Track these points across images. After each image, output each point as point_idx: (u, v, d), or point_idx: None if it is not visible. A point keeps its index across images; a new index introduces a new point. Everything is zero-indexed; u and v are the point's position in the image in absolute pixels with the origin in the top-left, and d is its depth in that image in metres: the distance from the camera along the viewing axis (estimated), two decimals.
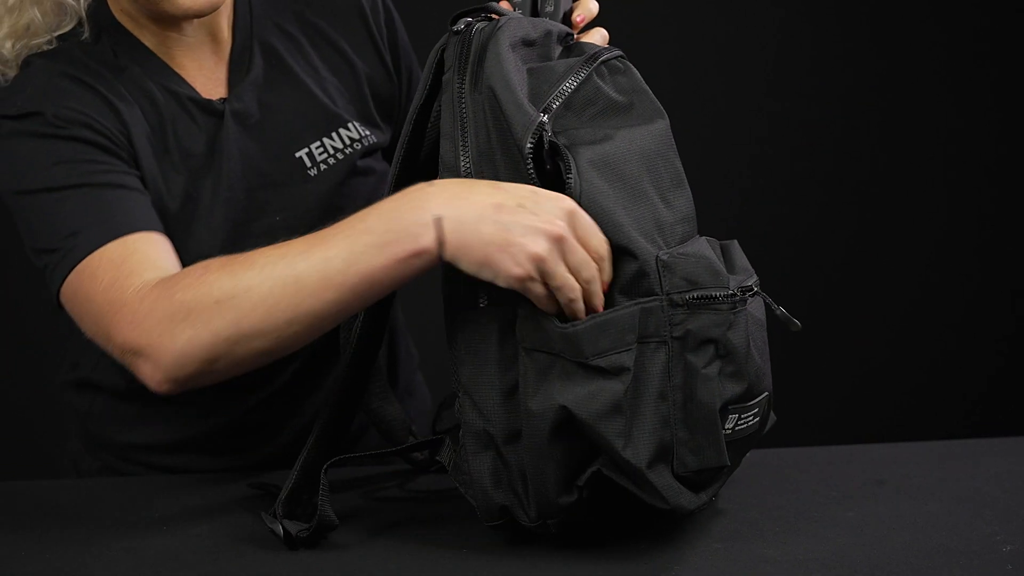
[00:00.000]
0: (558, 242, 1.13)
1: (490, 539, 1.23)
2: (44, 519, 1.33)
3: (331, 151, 1.48)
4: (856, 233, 2.81)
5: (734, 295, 1.18)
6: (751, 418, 1.22)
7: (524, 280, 1.13)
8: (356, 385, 1.32)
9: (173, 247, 1.34)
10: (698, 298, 1.17)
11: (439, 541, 1.24)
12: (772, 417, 1.32)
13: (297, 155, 1.47)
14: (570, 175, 1.17)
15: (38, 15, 1.41)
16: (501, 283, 1.14)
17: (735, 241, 1.30)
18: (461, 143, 1.21)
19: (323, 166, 1.48)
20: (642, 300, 1.16)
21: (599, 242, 1.16)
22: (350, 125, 1.50)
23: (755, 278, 1.26)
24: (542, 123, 1.18)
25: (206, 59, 1.47)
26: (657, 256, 1.17)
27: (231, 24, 1.49)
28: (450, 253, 1.14)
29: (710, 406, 1.17)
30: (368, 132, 1.52)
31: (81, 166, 1.34)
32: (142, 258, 1.29)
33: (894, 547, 1.20)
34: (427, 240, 1.14)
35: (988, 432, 1.93)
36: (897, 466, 1.43)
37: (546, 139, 1.18)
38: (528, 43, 1.25)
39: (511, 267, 1.13)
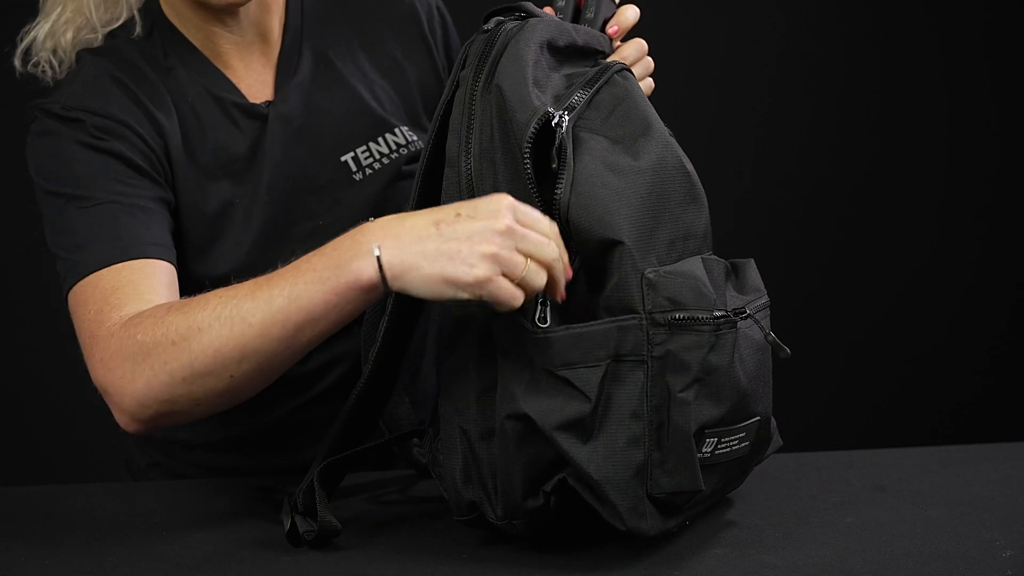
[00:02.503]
0: (506, 234, 1.12)
1: (489, 544, 1.23)
2: (43, 524, 1.33)
3: (377, 156, 1.49)
4: (855, 236, 2.81)
5: (716, 318, 1.17)
6: (735, 442, 1.21)
7: (486, 282, 1.11)
8: (380, 387, 1.31)
9: (175, 275, 1.36)
10: (679, 319, 1.16)
11: (439, 546, 1.24)
12: (777, 441, 1.32)
13: (343, 159, 1.48)
14: (561, 178, 1.17)
15: (92, 5, 1.44)
16: (465, 294, 1.12)
17: (751, 260, 1.30)
18: (465, 140, 1.21)
19: (368, 171, 1.48)
20: (621, 318, 1.16)
21: (546, 225, 1.14)
22: (397, 130, 1.51)
23: (764, 299, 1.26)
24: (547, 113, 1.18)
25: (254, 60, 1.48)
26: (643, 274, 1.17)
27: (282, 25, 1.50)
28: (395, 279, 1.13)
29: (685, 430, 1.16)
30: (416, 137, 1.52)
31: (108, 184, 1.36)
32: (131, 291, 1.30)
33: (894, 553, 1.20)
34: (368, 270, 1.14)
35: (988, 437, 1.93)
36: (897, 471, 1.43)
37: (559, 135, 1.17)
38: (554, 48, 1.25)
39: (468, 272, 1.11)
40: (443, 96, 1.25)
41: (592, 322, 1.16)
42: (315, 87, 1.49)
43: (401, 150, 1.50)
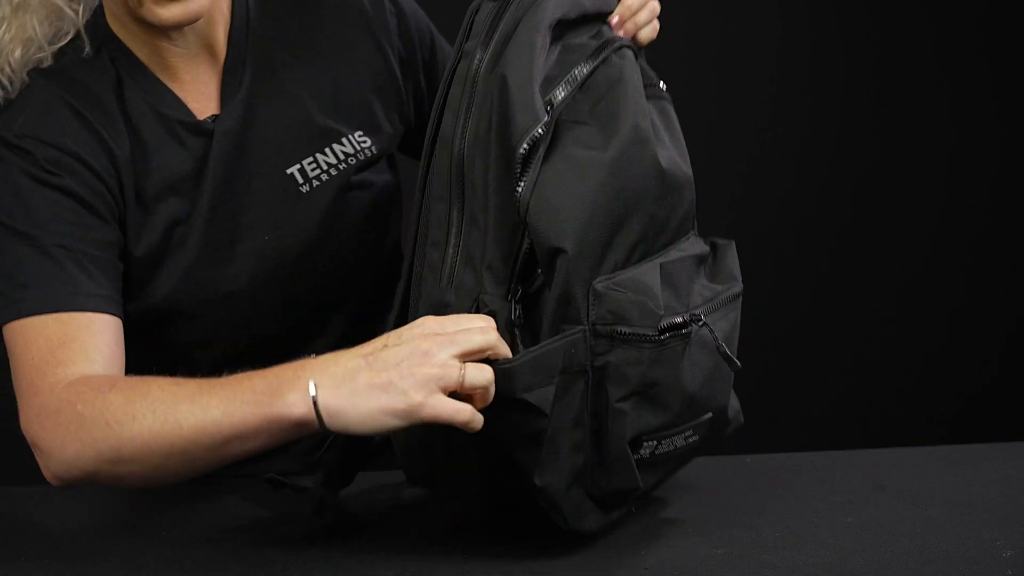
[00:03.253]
0: (432, 346, 1.13)
1: (488, 545, 1.23)
2: (43, 526, 1.33)
3: (324, 167, 1.45)
4: (856, 236, 2.81)
5: (660, 333, 1.16)
6: (680, 440, 1.22)
7: (420, 407, 1.12)
8: None
9: (120, 328, 1.34)
10: (621, 333, 1.15)
11: (440, 547, 1.24)
12: (738, 420, 1.33)
13: (288, 172, 1.45)
14: (525, 177, 1.16)
15: (35, 22, 1.40)
16: (404, 422, 1.13)
17: (732, 243, 1.29)
18: (463, 122, 1.19)
19: (316, 182, 1.45)
20: (568, 333, 1.15)
21: (477, 319, 1.15)
22: (345, 139, 1.47)
23: (737, 288, 1.25)
24: (543, 123, 1.16)
25: (201, 72, 1.45)
26: (592, 284, 1.16)
27: (227, 34, 1.46)
28: (332, 419, 1.15)
29: (620, 438, 1.17)
30: (368, 142, 1.48)
31: (57, 224, 1.35)
32: (78, 348, 1.30)
33: (894, 553, 1.20)
34: (301, 408, 1.15)
35: (989, 437, 1.93)
36: (897, 471, 1.43)
37: (533, 134, 1.16)
38: (563, 23, 1.23)
39: (402, 399, 1.12)
40: (447, 67, 1.22)
41: (546, 343, 1.15)
42: (260, 99, 1.45)
43: (349, 159, 1.46)
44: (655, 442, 1.19)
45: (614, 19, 1.31)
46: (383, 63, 1.51)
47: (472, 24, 1.22)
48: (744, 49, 2.75)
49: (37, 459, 1.29)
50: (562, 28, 1.24)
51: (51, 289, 1.32)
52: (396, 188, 1.51)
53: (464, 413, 1.13)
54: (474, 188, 1.19)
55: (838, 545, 1.22)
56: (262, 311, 1.44)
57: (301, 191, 1.45)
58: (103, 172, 1.38)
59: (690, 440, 1.23)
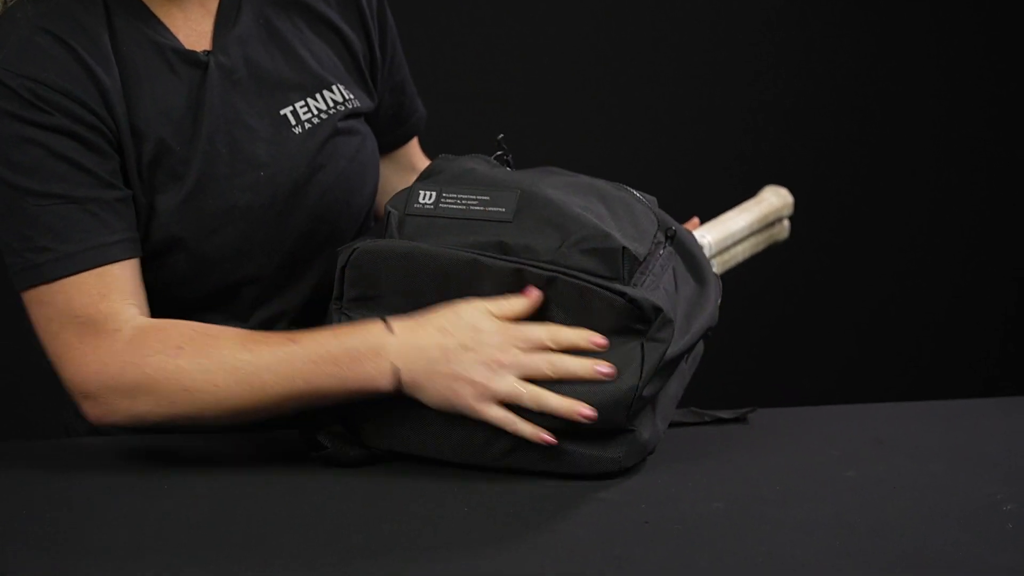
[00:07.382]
0: (500, 366, 1.26)
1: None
2: (45, 479, 1.33)
3: (315, 111, 1.50)
4: (860, 193, 2.81)
5: None
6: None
7: (480, 409, 1.26)
8: None
9: (139, 269, 1.39)
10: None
11: (438, 496, 1.25)
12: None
13: (282, 112, 1.48)
14: None
15: None
16: (470, 415, 1.27)
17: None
18: None
19: (307, 124, 1.49)
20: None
21: (539, 336, 1.26)
22: (334, 88, 1.52)
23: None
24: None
25: (193, 10, 1.47)
26: None
27: None
28: (410, 391, 1.28)
29: None
30: (353, 96, 1.53)
31: (60, 168, 1.35)
32: (117, 297, 1.36)
33: (894, 507, 1.20)
34: (385, 385, 1.28)
35: (991, 392, 1.94)
36: (898, 426, 1.44)
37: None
38: None
39: (468, 406, 1.27)
40: None
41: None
42: (254, 41, 1.48)
43: (339, 107, 1.51)
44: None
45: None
46: (364, 37, 1.57)
47: None
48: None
49: (83, 407, 1.34)
50: None
51: (73, 246, 1.35)
52: (375, 143, 1.56)
53: (515, 423, 1.26)
54: None
55: (838, 499, 1.22)
56: (251, 248, 1.46)
57: (294, 132, 1.49)
58: (94, 104, 1.38)
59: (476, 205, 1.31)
